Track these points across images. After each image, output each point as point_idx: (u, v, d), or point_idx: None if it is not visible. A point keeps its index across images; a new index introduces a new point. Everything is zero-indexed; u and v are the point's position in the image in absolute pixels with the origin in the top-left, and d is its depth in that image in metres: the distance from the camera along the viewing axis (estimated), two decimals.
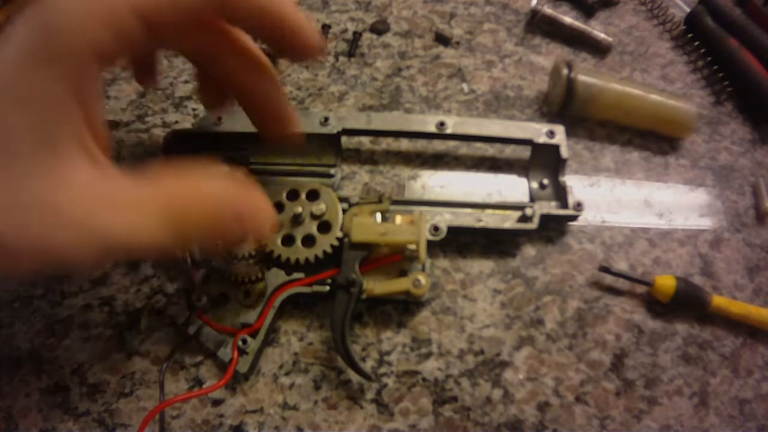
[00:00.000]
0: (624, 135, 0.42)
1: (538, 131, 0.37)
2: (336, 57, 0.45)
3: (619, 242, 0.37)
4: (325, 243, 0.31)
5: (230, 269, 0.32)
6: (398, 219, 0.33)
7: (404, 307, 0.34)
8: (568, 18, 0.47)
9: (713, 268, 0.37)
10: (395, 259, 0.33)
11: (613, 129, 0.42)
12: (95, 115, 0.20)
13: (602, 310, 0.35)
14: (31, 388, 0.32)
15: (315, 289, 0.32)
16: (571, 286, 0.36)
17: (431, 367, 0.33)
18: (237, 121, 0.37)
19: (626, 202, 0.39)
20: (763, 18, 0.47)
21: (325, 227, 0.32)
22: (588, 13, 0.49)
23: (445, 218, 0.35)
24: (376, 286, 0.32)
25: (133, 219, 0.19)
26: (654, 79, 0.45)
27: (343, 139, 0.38)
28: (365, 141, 0.40)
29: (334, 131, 0.37)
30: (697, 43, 0.47)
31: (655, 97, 0.41)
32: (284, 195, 0.31)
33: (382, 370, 0.32)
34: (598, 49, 0.47)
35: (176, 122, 0.41)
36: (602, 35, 0.46)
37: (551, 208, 0.36)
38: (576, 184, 0.38)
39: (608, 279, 0.36)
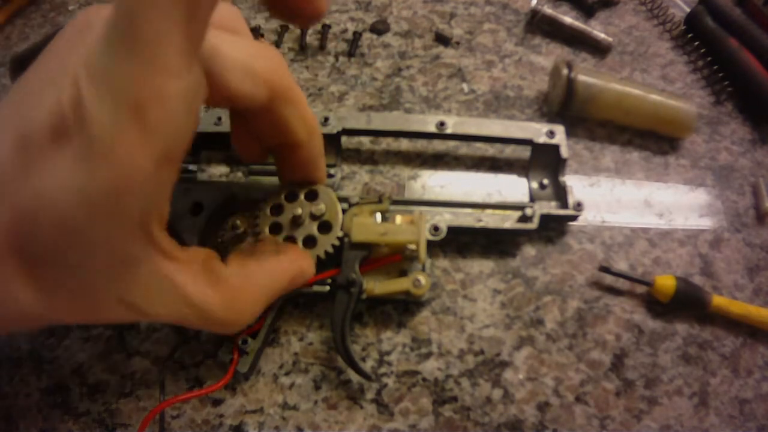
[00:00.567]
0: (624, 135, 0.42)
1: (538, 131, 0.37)
2: (336, 57, 0.45)
3: (619, 242, 0.37)
4: (326, 243, 0.31)
5: None
6: (398, 219, 0.33)
7: (404, 307, 0.34)
8: (568, 18, 0.47)
9: (713, 268, 0.37)
10: (395, 259, 0.33)
11: (613, 129, 0.42)
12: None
13: (602, 310, 0.35)
14: (31, 388, 0.32)
15: (315, 289, 0.32)
16: (571, 286, 0.36)
17: (431, 367, 0.33)
18: None
19: (626, 202, 0.39)
20: (763, 18, 0.47)
21: (325, 227, 0.32)
22: (588, 13, 0.49)
23: (445, 218, 0.35)
24: (376, 286, 0.32)
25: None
26: (654, 79, 0.45)
27: (343, 139, 0.38)
28: (365, 141, 0.40)
29: (334, 131, 0.37)
30: (697, 43, 0.47)
31: (655, 97, 0.41)
32: (283, 197, 0.31)
33: (382, 370, 0.32)
34: (598, 49, 0.47)
35: None
36: (602, 35, 0.46)
37: (551, 208, 0.36)
38: (576, 184, 0.38)
39: (608, 279, 0.36)
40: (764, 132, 0.43)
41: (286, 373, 0.32)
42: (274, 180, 0.37)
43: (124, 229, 0.19)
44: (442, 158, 0.40)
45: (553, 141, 0.37)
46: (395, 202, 0.35)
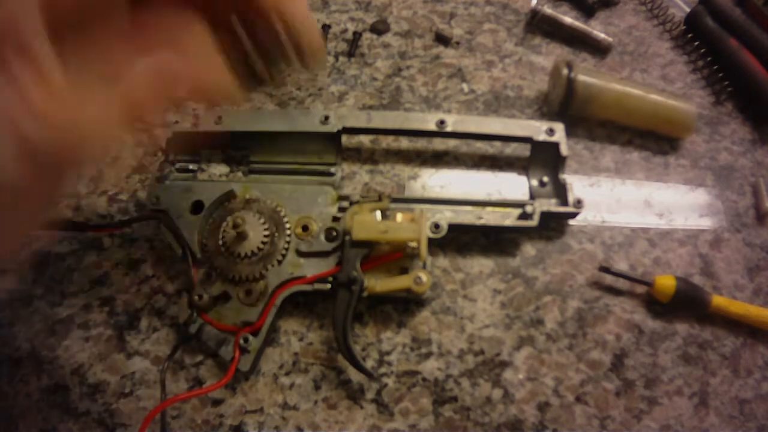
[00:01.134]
0: (624, 135, 0.42)
1: (538, 129, 0.37)
2: (336, 57, 0.45)
3: (619, 242, 0.37)
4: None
5: (231, 268, 0.32)
6: (399, 217, 0.33)
7: (404, 307, 0.34)
8: (568, 18, 0.47)
9: (713, 268, 0.37)
10: (396, 256, 0.33)
11: (613, 129, 0.42)
12: None
13: (602, 310, 0.35)
14: (31, 388, 0.32)
15: (316, 287, 0.32)
16: (571, 286, 0.36)
17: (431, 367, 0.33)
18: (237, 121, 0.37)
19: (626, 202, 0.39)
20: (763, 18, 0.47)
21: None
22: (588, 13, 0.49)
23: (446, 216, 0.35)
24: (378, 283, 0.32)
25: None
26: (654, 79, 0.46)
27: (344, 138, 0.38)
28: (365, 140, 0.40)
29: (335, 130, 0.37)
30: (697, 43, 0.47)
31: (655, 97, 0.41)
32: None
33: (382, 370, 0.32)
34: (598, 49, 0.47)
35: (176, 122, 0.41)
36: (602, 35, 0.46)
37: (551, 205, 0.36)
38: (576, 184, 0.38)
39: (608, 279, 0.36)
40: (764, 132, 0.43)
41: (286, 373, 0.32)
42: (274, 179, 0.37)
43: None
44: (442, 157, 0.40)
45: (553, 139, 0.37)
46: (396, 201, 0.35)
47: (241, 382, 0.32)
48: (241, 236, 0.32)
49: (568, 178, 0.37)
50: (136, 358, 0.32)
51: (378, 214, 0.33)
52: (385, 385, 0.32)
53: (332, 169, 0.38)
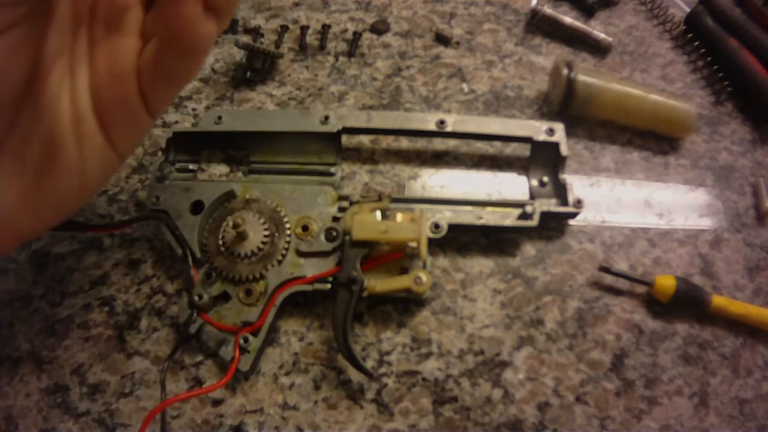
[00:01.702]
0: (624, 135, 0.42)
1: (538, 129, 0.37)
2: (336, 57, 0.45)
3: (619, 242, 0.37)
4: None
5: (231, 268, 0.32)
6: (399, 217, 0.33)
7: (404, 306, 0.34)
8: (568, 18, 0.47)
9: (713, 268, 0.37)
10: (396, 256, 0.33)
11: (613, 129, 0.42)
12: None
13: (602, 310, 0.35)
14: (31, 388, 0.32)
15: (316, 287, 0.32)
16: (571, 286, 0.36)
17: (431, 367, 0.33)
18: (237, 121, 0.37)
19: (626, 202, 0.39)
20: (763, 18, 0.47)
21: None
22: (588, 13, 0.49)
23: (446, 216, 0.35)
24: (378, 283, 0.32)
25: None
26: (654, 79, 0.46)
27: (344, 138, 0.38)
28: (365, 141, 0.40)
29: (335, 129, 0.37)
30: (697, 43, 0.47)
31: (655, 97, 0.41)
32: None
33: (382, 370, 0.32)
34: (598, 49, 0.47)
35: (176, 122, 0.41)
36: (602, 35, 0.46)
37: (551, 205, 0.36)
38: (576, 184, 0.38)
39: (608, 279, 0.36)
40: (764, 132, 0.43)
41: (286, 373, 0.32)
42: (274, 179, 0.37)
43: None
44: (442, 158, 0.40)
45: (553, 139, 0.37)
46: (396, 201, 0.35)
47: (241, 382, 0.32)
48: (241, 236, 0.32)
49: (568, 178, 0.37)
50: (136, 358, 0.32)
51: (378, 214, 0.33)
52: (385, 385, 0.32)
53: (332, 169, 0.38)
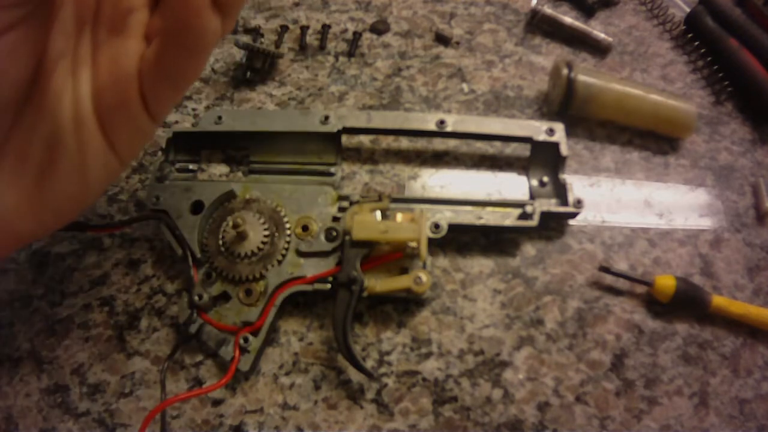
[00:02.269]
0: (624, 135, 0.42)
1: (538, 129, 0.37)
2: (336, 57, 0.45)
3: (619, 242, 0.37)
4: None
5: (231, 268, 0.32)
6: (399, 217, 0.33)
7: (404, 307, 0.34)
8: (568, 18, 0.47)
9: (713, 268, 0.37)
10: (396, 256, 0.33)
11: (613, 129, 0.42)
12: None
13: (602, 310, 0.35)
14: (31, 388, 0.32)
15: (316, 287, 0.32)
16: (571, 286, 0.36)
17: (431, 367, 0.33)
18: (237, 121, 0.37)
19: (626, 202, 0.39)
20: (763, 18, 0.47)
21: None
22: (588, 13, 0.49)
23: (446, 216, 0.35)
24: (378, 283, 0.32)
25: None
26: (654, 79, 0.46)
27: (344, 138, 0.38)
28: (365, 141, 0.40)
29: (335, 129, 0.37)
30: (697, 43, 0.47)
31: (655, 97, 0.41)
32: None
33: (382, 370, 0.32)
34: (598, 49, 0.47)
35: (176, 122, 0.41)
36: (602, 35, 0.46)
37: (551, 205, 0.36)
38: (576, 184, 0.38)
39: (608, 279, 0.36)
40: (764, 132, 0.43)
41: (286, 373, 0.32)
42: (274, 179, 0.37)
43: None
44: (442, 158, 0.40)
45: (553, 138, 0.37)
46: (396, 201, 0.35)
47: (241, 382, 0.32)
48: (241, 236, 0.32)
49: (568, 178, 0.37)
50: (136, 358, 0.32)
51: (378, 214, 0.34)
52: (385, 385, 0.32)
53: (332, 169, 0.38)
